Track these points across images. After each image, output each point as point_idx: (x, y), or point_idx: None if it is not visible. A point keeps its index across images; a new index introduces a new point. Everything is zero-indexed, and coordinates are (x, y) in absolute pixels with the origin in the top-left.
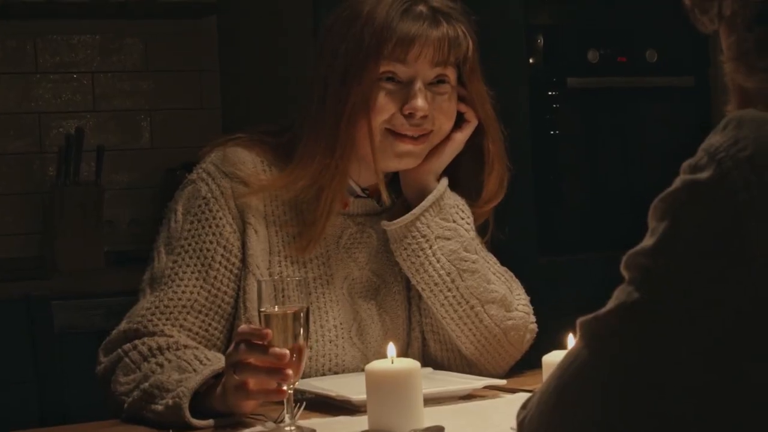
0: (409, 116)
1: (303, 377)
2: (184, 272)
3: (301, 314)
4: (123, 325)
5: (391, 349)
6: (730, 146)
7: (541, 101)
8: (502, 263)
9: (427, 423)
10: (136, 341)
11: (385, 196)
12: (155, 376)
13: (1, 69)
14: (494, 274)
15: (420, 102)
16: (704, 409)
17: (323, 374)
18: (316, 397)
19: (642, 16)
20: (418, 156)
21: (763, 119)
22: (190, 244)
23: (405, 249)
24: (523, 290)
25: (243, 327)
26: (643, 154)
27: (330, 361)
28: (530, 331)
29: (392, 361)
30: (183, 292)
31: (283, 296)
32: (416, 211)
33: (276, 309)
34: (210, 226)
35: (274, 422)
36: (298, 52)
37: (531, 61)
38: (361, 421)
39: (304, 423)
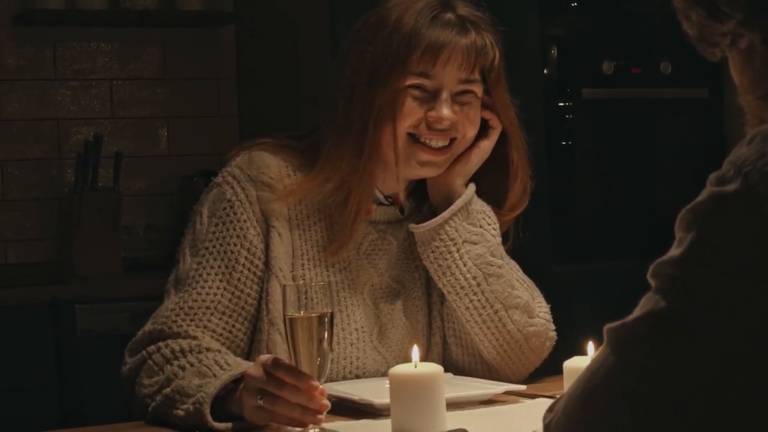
0: (434, 123)
1: (326, 381)
2: (208, 274)
3: (326, 319)
4: (148, 326)
5: (415, 353)
6: (757, 160)
7: (555, 112)
8: None
9: (450, 427)
10: (160, 343)
11: (402, 198)
12: (177, 380)
13: (21, 75)
14: (518, 280)
15: (445, 111)
16: (730, 419)
17: (345, 377)
18: (339, 401)
19: (656, 28)
20: (440, 166)
21: None
22: (214, 246)
23: (432, 252)
24: (543, 299)
25: (282, 362)
26: (656, 165)
27: (351, 364)
28: (550, 339)
29: (416, 365)
30: (207, 293)
31: (306, 299)
32: (445, 214)
33: (301, 313)
34: (234, 229)
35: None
36: (314, 61)
37: (545, 71)
38: (384, 425)
39: (328, 426)
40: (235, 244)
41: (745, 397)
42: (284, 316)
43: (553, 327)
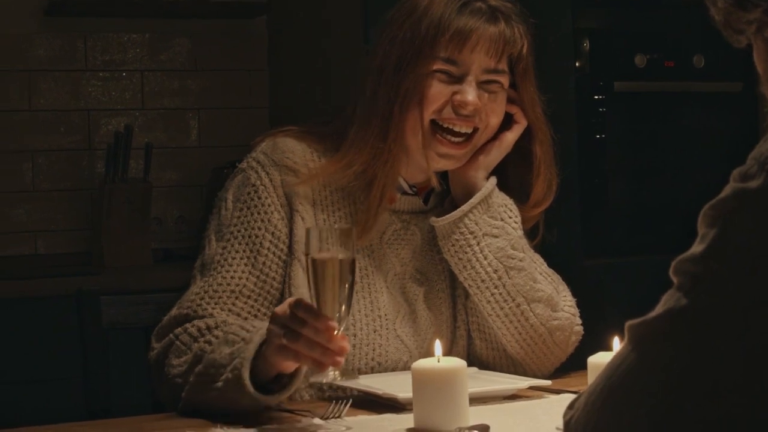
0: (459, 107)
1: (348, 367)
2: (233, 258)
3: (347, 262)
4: (174, 311)
5: (438, 347)
6: None
7: (588, 105)
8: (548, 266)
9: (473, 422)
10: (186, 325)
11: (435, 181)
12: (207, 356)
13: (52, 66)
14: (541, 274)
15: (471, 96)
16: (751, 418)
17: (366, 363)
18: (362, 395)
19: (690, 21)
20: (459, 159)
21: None
22: (239, 231)
23: (453, 245)
24: (570, 293)
25: (305, 302)
26: (689, 159)
27: (373, 350)
28: (575, 333)
29: (438, 359)
30: (232, 277)
31: (328, 244)
32: (465, 207)
33: (323, 255)
34: (258, 213)
35: (321, 418)
36: (346, 53)
37: (578, 64)
38: (407, 419)
39: (350, 420)
40: (259, 228)
41: (765, 396)
42: (306, 257)
43: (578, 321)
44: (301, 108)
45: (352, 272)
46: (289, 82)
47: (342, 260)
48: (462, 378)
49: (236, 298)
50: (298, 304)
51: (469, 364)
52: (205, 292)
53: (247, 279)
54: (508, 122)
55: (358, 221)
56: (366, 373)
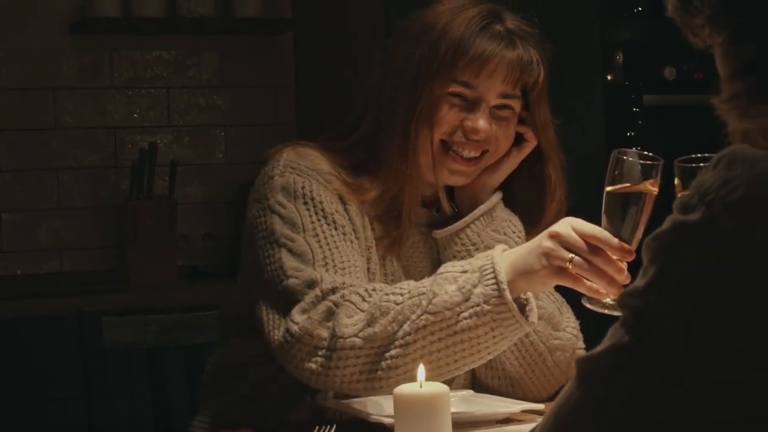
0: (470, 133)
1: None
2: (334, 241)
3: (651, 197)
4: (310, 294)
5: (421, 371)
6: (720, 187)
7: (617, 118)
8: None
9: None
10: (343, 292)
11: (445, 204)
12: (431, 298)
13: (77, 83)
14: (543, 292)
15: (482, 123)
16: None
17: None
18: (351, 417)
19: None
20: (468, 176)
21: (755, 158)
22: (318, 220)
23: (454, 256)
24: (573, 315)
25: (601, 230)
26: None
27: None
28: (577, 355)
29: (421, 384)
30: (347, 258)
31: (631, 177)
32: (468, 218)
33: (628, 186)
34: (322, 203)
35: None
36: (372, 65)
37: (609, 77)
38: None
39: None
40: (333, 213)
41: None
42: (612, 187)
43: (581, 345)
44: (328, 124)
45: (651, 208)
46: (316, 97)
47: (646, 194)
48: (444, 403)
49: (358, 272)
50: (594, 230)
51: (471, 386)
52: (335, 273)
53: (358, 259)
54: (517, 142)
55: (387, 235)
56: None
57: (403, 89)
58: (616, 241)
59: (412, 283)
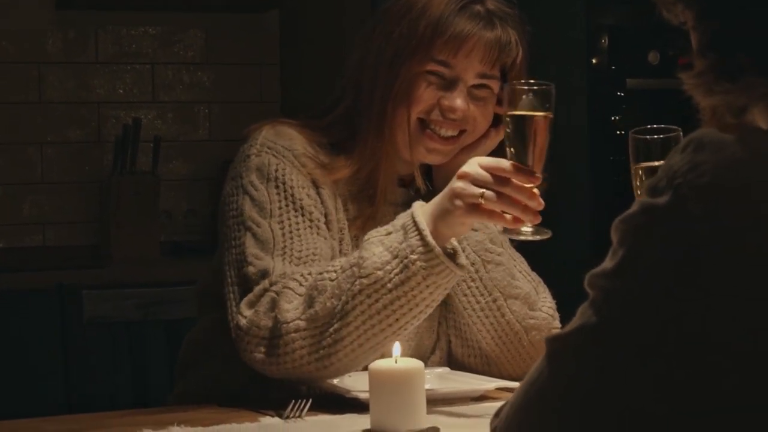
0: (447, 112)
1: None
2: (297, 229)
3: (548, 120)
4: (260, 284)
5: (396, 348)
6: (688, 171)
7: (600, 101)
8: (556, 264)
9: (428, 424)
10: (284, 280)
11: (420, 182)
12: (361, 264)
13: (62, 59)
14: (520, 272)
15: (459, 102)
16: None
17: None
18: (329, 394)
19: None
20: (446, 154)
21: (723, 142)
22: (287, 206)
23: None
24: (550, 296)
25: (506, 161)
26: None
27: None
28: None
29: (396, 360)
30: (307, 246)
31: (527, 102)
32: None
33: (525, 111)
34: (293, 188)
35: (281, 418)
36: None
37: (594, 61)
38: (366, 420)
39: (310, 420)
40: (302, 198)
41: (672, 414)
42: (507, 114)
43: (557, 324)
44: (313, 102)
45: (551, 131)
46: (301, 76)
47: (544, 117)
48: (418, 379)
49: (319, 260)
50: (499, 162)
51: (448, 363)
52: (290, 261)
53: (321, 246)
54: (496, 121)
55: (358, 212)
56: None
57: (382, 68)
58: (519, 165)
59: (343, 258)
